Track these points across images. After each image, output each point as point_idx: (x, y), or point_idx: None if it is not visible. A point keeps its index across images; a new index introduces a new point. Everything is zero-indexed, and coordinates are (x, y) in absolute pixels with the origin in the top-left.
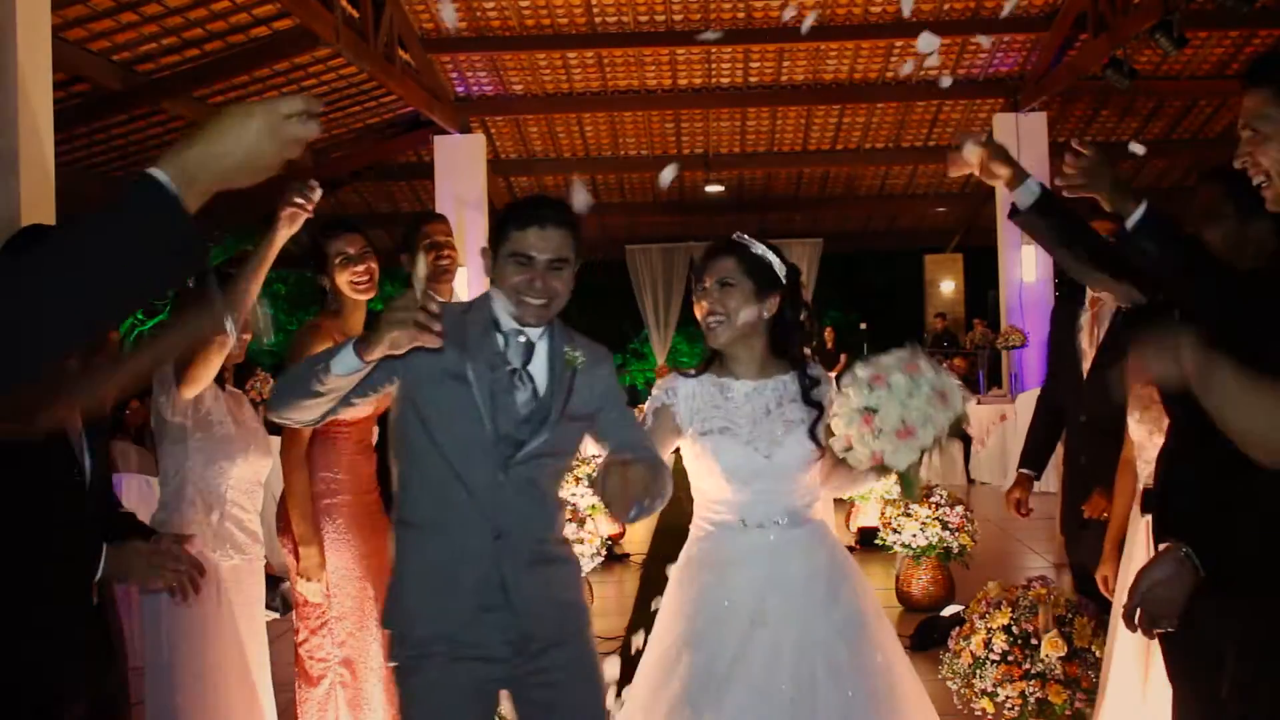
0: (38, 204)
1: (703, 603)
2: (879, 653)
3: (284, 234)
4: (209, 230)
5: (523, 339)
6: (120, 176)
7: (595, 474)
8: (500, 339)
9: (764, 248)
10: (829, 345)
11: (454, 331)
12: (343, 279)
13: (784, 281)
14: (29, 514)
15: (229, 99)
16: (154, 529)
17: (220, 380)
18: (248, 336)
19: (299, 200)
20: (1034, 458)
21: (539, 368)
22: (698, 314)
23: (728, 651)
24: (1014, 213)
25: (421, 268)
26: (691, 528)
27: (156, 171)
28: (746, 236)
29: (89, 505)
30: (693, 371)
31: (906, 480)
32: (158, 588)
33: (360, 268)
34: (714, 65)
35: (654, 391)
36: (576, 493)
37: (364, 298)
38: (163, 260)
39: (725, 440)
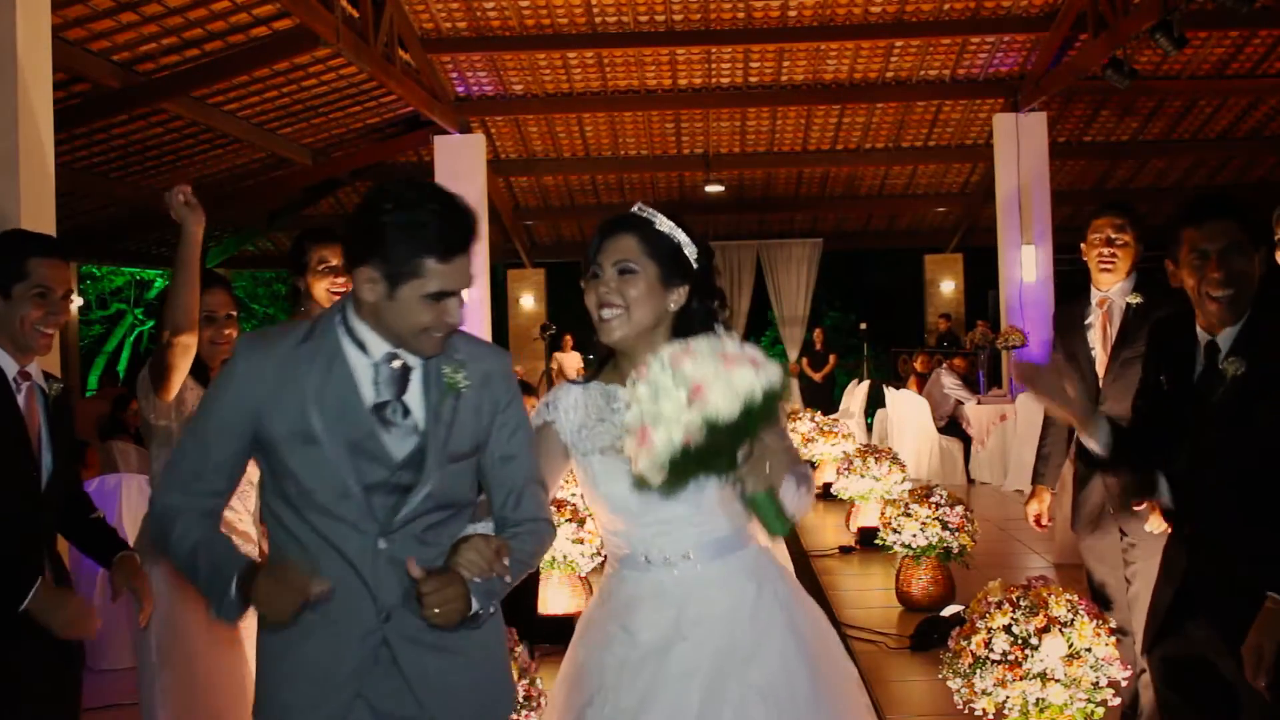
0: (38, 204)
1: (606, 655)
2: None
3: (191, 229)
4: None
5: (397, 364)
6: (120, 176)
7: (452, 548)
8: (364, 367)
9: (672, 224)
10: (818, 346)
11: (290, 376)
12: (320, 286)
13: (695, 266)
14: None
15: (229, 99)
16: (124, 542)
17: (205, 379)
18: (181, 339)
19: (173, 197)
20: (1051, 475)
21: (414, 396)
22: (588, 302)
23: (631, 701)
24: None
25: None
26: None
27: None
28: (650, 209)
29: (43, 507)
30: (580, 380)
31: (757, 506)
32: (72, 637)
33: (341, 279)
34: (714, 65)
35: (538, 407)
36: (576, 493)
37: None
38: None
39: (609, 463)
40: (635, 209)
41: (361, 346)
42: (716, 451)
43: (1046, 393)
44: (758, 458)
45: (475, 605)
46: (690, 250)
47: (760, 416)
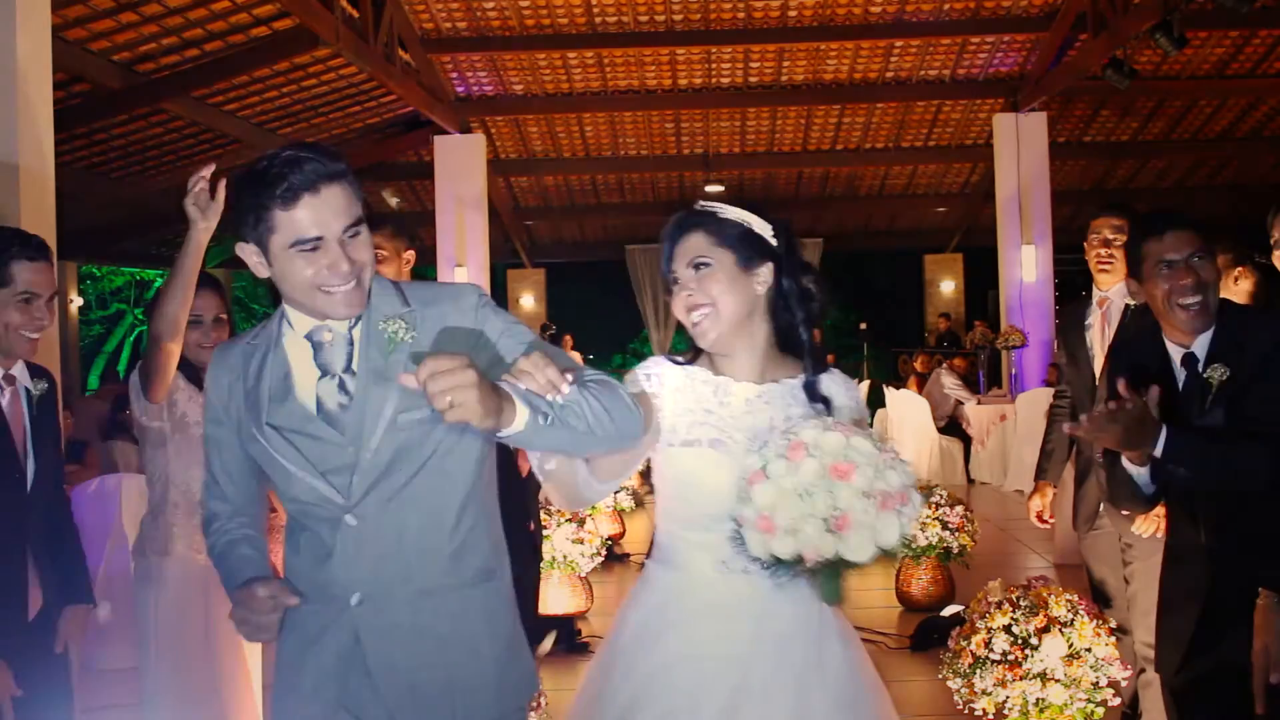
0: (37, 204)
1: (664, 677)
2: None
3: (197, 232)
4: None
5: (328, 335)
6: (120, 177)
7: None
8: (300, 349)
9: (737, 210)
10: (817, 344)
11: (236, 376)
12: None
13: (774, 244)
14: None
15: (229, 99)
16: (86, 588)
17: (198, 380)
18: (165, 345)
19: (193, 190)
20: (1054, 471)
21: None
22: (677, 312)
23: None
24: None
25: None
26: (647, 564)
27: None
28: (711, 202)
29: (28, 509)
30: (681, 359)
31: (826, 578)
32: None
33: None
34: (714, 65)
35: (632, 375)
36: None
37: None
38: None
39: (718, 457)
40: (697, 205)
41: (292, 327)
42: (827, 572)
43: (1119, 443)
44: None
45: (519, 410)
46: (763, 228)
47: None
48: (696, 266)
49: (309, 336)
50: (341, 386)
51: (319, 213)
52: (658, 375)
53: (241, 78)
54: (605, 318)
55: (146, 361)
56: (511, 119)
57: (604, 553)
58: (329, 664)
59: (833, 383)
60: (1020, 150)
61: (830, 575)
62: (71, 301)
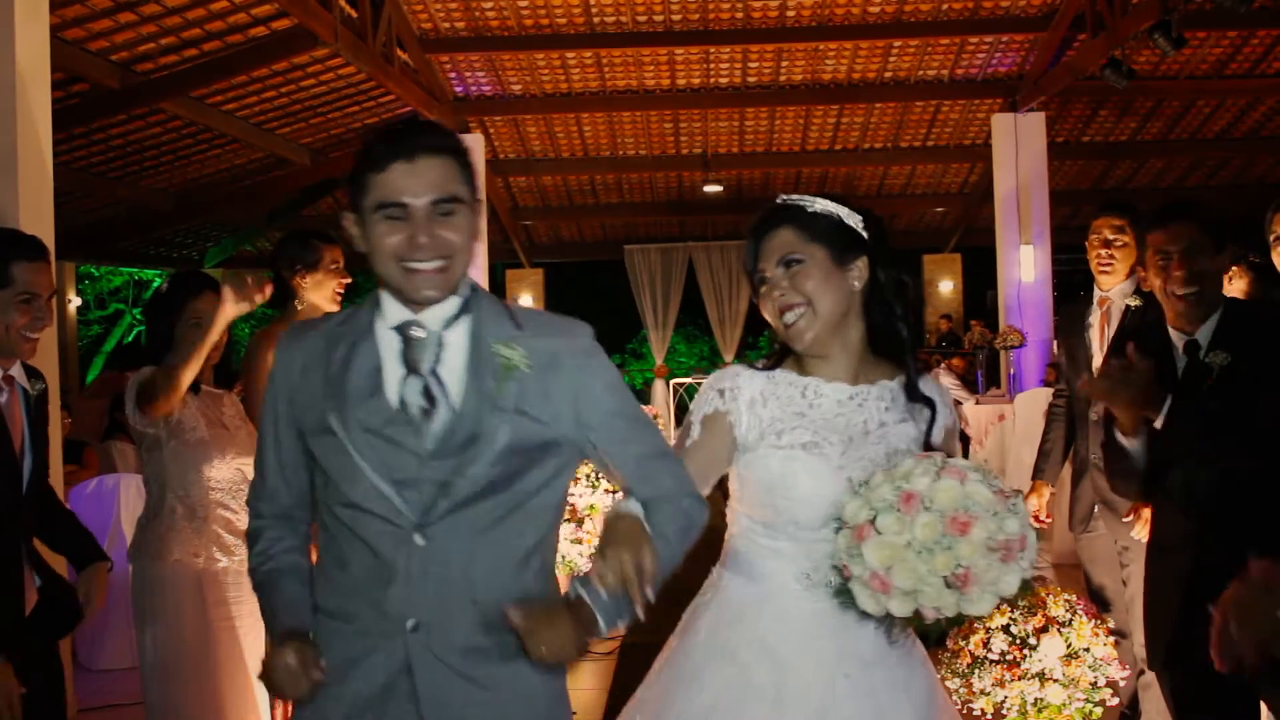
0: (36, 203)
1: (739, 693)
2: None
3: (228, 308)
4: (206, 229)
5: (420, 333)
6: (118, 176)
7: (595, 548)
8: (389, 341)
9: (825, 201)
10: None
11: (315, 362)
12: (329, 286)
13: (865, 235)
14: None
15: (228, 99)
16: (96, 547)
17: (195, 385)
18: (163, 409)
19: (251, 294)
20: (1051, 472)
21: (453, 370)
22: (767, 313)
23: None
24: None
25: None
26: (715, 572)
27: None
28: (797, 195)
29: (23, 508)
30: (760, 364)
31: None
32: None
33: (346, 280)
34: (712, 65)
35: (704, 391)
36: (575, 492)
37: (335, 309)
38: None
39: (811, 461)
40: (780, 200)
41: (382, 317)
42: (942, 627)
43: (1129, 403)
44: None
45: (600, 625)
46: (854, 219)
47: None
48: (788, 264)
49: (399, 329)
50: (425, 390)
51: (408, 180)
52: (732, 388)
53: (240, 77)
54: (603, 318)
55: (148, 390)
56: (510, 119)
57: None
58: (370, 691)
59: (932, 388)
60: (1019, 150)
61: (939, 626)
62: (70, 301)
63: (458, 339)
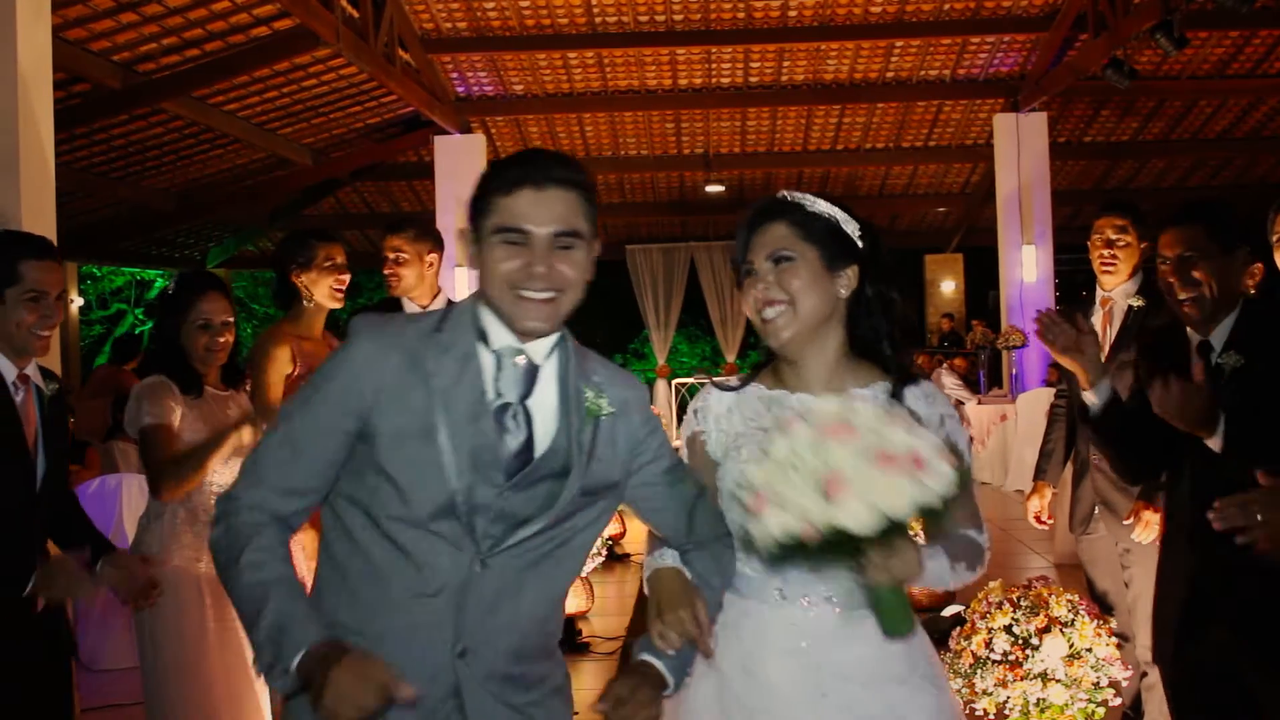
0: (38, 203)
1: (723, 699)
2: None
3: (245, 440)
4: (208, 229)
5: (521, 360)
6: (120, 176)
7: (650, 579)
8: (489, 363)
9: (826, 203)
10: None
11: (418, 367)
12: (325, 283)
13: (860, 246)
14: None
15: (229, 99)
16: (108, 542)
17: (198, 387)
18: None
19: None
20: (1053, 472)
21: (544, 406)
22: (748, 307)
23: None
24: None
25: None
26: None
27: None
28: (798, 193)
29: (38, 506)
30: (735, 381)
31: (877, 599)
32: (85, 601)
33: (344, 276)
34: (714, 65)
35: (688, 416)
36: None
37: (337, 306)
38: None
39: None
40: (781, 194)
41: (484, 337)
42: (835, 555)
43: (1062, 346)
44: (890, 555)
45: (669, 682)
46: (851, 227)
47: (902, 531)
48: (777, 260)
49: (498, 352)
50: (515, 421)
51: (534, 208)
52: (703, 409)
53: (242, 78)
54: (605, 318)
55: (157, 482)
56: (512, 119)
57: (605, 553)
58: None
59: (920, 397)
60: (1020, 150)
61: (883, 599)
62: (72, 301)
63: (549, 375)
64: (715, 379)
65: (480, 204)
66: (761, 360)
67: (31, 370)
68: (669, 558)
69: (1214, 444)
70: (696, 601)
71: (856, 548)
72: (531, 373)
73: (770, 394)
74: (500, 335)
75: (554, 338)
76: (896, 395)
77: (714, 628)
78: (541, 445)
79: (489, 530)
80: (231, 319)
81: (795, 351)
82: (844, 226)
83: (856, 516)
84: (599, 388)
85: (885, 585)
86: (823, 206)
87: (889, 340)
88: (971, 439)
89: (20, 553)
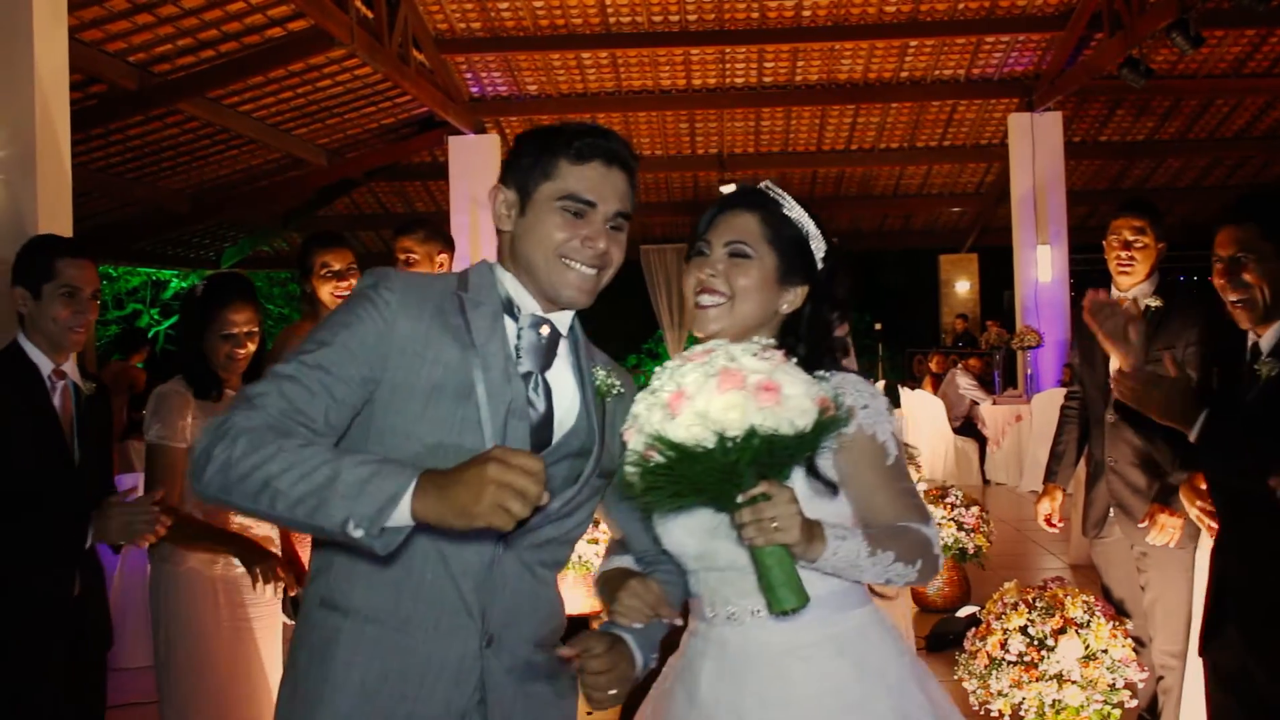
0: (55, 203)
1: (666, 715)
2: None
3: (256, 568)
4: (223, 230)
5: (545, 330)
6: (136, 177)
7: (598, 582)
8: (511, 332)
9: (803, 211)
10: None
11: (449, 319)
12: (325, 290)
13: (819, 267)
14: (17, 492)
15: (244, 100)
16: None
17: (218, 391)
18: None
19: (264, 580)
20: (1064, 474)
21: (562, 381)
22: (687, 285)
23: None
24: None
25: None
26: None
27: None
28: (779, 189)
29: (80, 486)
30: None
31: (757, 564)
32: (137, 543)
33: (344, 283)
34: (728, 65)
35: None
36: None
37: None
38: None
39: None
40: (764, 185)
41: (509, 307)
42: (676, 480)
43: (1109, 331)
44: (760, 506)
45: (637, 659)
46: (819, 245)
47: (745, 459)
48: (734, 252)
49: (528, 324)
50: (536, 389)
51: (603, 183)
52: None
53: (256, 78)
54: (620, 317)
55: (151, 463)
56: (525, 119)
57: None
58: (435, 713)
59: (845, 390)
60: (1035, 150)
61: (766, 568)
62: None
63: (565, 351)
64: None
65: (540, 166)
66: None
67: (69, 368)
68: (626, 560)
69: (1192, 435)
70: (651, 583)
71: (716, 482)
72: (554, 343)
73: None
74: (527, 302)
75: (572, 314)
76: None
77: (674, 610)
78: (562, 420)
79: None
80: (256, 328)
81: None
82: (811, 242)
83: (689, 430)
84: (606, 369)
85: (764, 548)
86: (798, 214)
87: (816, 349)
88: (986, 440)
89: (61, 544)
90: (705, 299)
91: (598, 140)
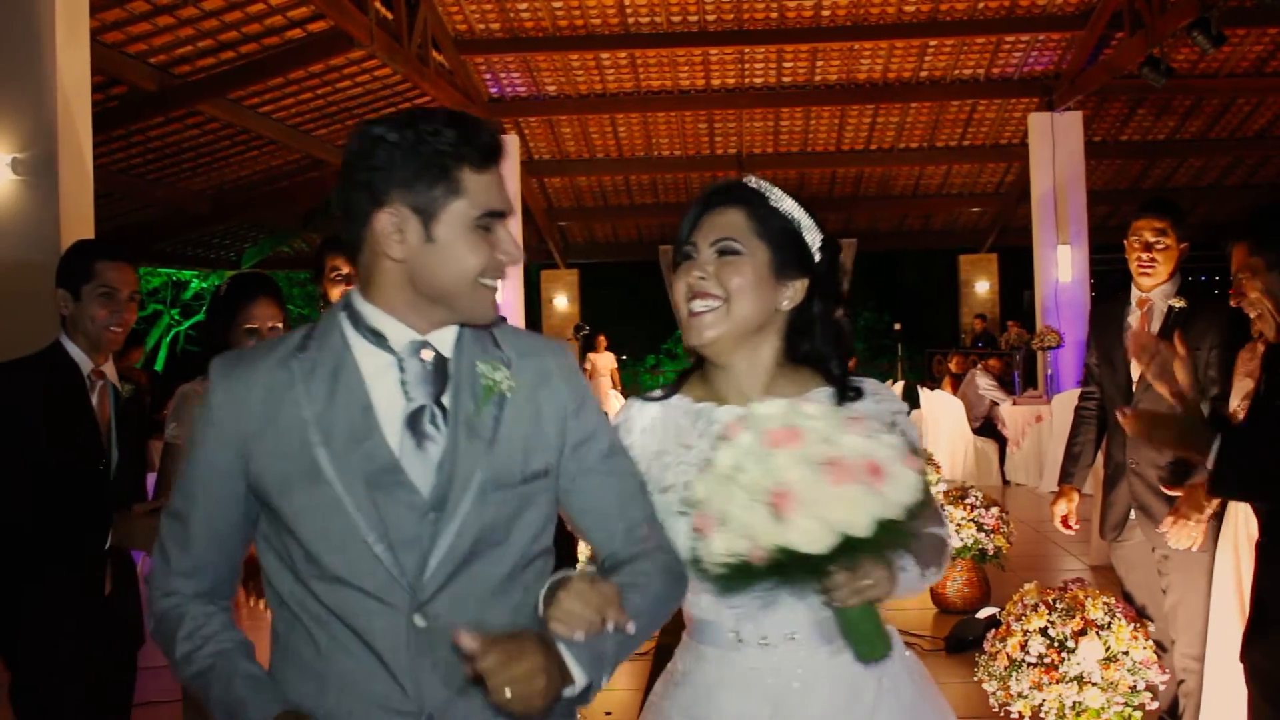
0: (76, 205)
1: None
2: None
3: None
4: (243, 230)
5: (427, 355)
6: (156, 178)
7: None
8: (382, 368)
9: (792, 202)
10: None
11: (282, 399)
12: (335, 293)
13: (816, 260)
14: (54, 489)
15: (264, 101)
16: None
17: None
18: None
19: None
20: (1080, 475)
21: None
22: (676, 293)
23: None
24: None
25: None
26: (684, 637)
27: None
28: (765, 183)
29: (110, 492)
30: (659, 393)
31: (847, 622)
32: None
33: (352, 286)
34: (747, 65)
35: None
36: None
37: None
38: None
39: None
40: (746, 179)
41: (378, 339)
42: (788, 577)
43: (1156, 372)
44: (855, 573)
45: (577, 677)
46: (813, 236)
47: (862, 549)
48: (722, 250)
49: (399, 353)
50: (432, 423)
51: (502, 185)
52: (626, 422)
53: (276, 80)
54: (639, 318)
55: (165, 464)
56: (545, 120)
57: None
58: None
59: (867, 394)
60: (1055, 149)
61: (852, 620)
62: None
63: (453, 362)
64: (641, 395)
65: (441, 181)
66: (689, 367)
67: (108, 369)
68: (575, 571)
69: (1209, 463)
70: (602, 585)
71: (815, 569)
72: (441, 366)
73: (696, 407)
74: (402, 334)
75: (456, 328)
76: (838, 389)
77: (631, 625)
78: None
79: (417, 568)
80: (280, 324)
81: (720, 355)
82: (804, 234)
83: (808, 535)
84: (499, 361)
85: (851, 606)
86: (788, 205)
87: (835, 360)
88: (1006, 440)
89: (94, 539)
90: (698, 304)
91: (491, 137)
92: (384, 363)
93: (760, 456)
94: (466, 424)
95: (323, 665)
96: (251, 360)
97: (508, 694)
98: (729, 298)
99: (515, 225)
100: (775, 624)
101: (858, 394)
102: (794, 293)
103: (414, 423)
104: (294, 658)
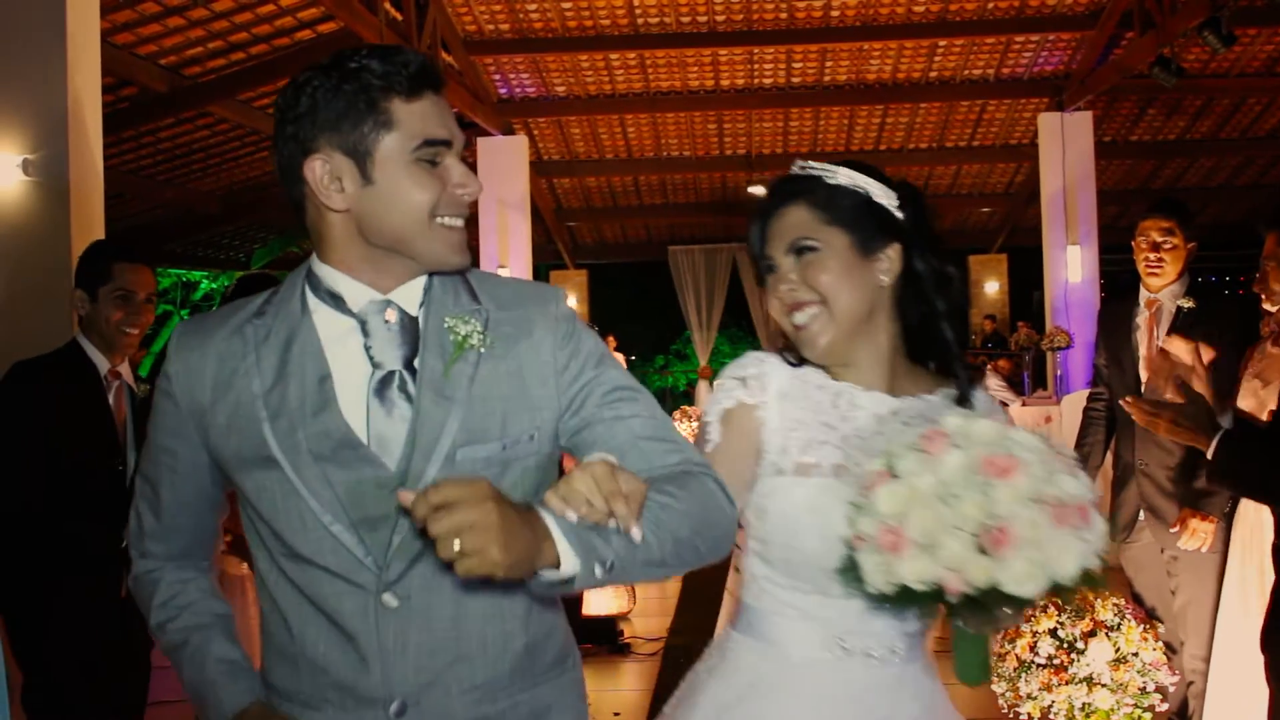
0: (87, 206)
1: None
2: None
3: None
4: (254, 231)
5: (390, 316)
6: (166, 179)
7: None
8: (343, 333)
9: (850, 172)
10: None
11: (234, 369)
12: None
13: (899, 216)
14: (70, 489)
15: (274, 101)
16: None
17: None
18: None
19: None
20: (1089, 475)
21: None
22: (773, 311)
23: None
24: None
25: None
26: (723, 632)
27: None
28: (815, 163)
29: (126, 492)
30: (793, 357)
31: (967, 645)
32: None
33: None
34: (756, 66)
35: (722, 381)
36: None
37: None
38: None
39: (842, 489)
40: (795, 168)
41: (336, 301)
42: (968, 610)
43: (1165, 429)
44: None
45: (564, 558)
46: (886, 196)
47: (1058, 592)
48: (799, 251)
49: (360, 315)
50: (403, 391)
51: (444, 112)
52: (759, 378)
53: (286, 81)
54: (648, 318)
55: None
56: (554, 120)
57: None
58: None
59: (982, 402)
60: (1065, 150)
61: (971, 640)
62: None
63: (423, 321)
64: (775, 350)
65: (368, 116)
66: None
67: (124, 369)
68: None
69: (1210, 451)
70: (622, 472)
71: (999, 605)
72: (410, 327)
73: (836, 385)
74: (357, 292)
75: (422, 282)
76: (966, 397)
77: (637, 530)
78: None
79: (386, 547)
80: None
81: (840, 357)
82: (876, 199)
83: (1022, 577)
84: (471, 314)
85: (980, 632)
86: (847, 176)
87: (950, 323)
88: None
89: (110, 540)
90: (799, 317)
91: (419, 64)
92: (345, 327)
93: (978, 485)
94: (433, 385)
95: (295, 648)
96: (209, 327)
97: (455, 546)
98: (825, 298)
99: (524, 226)
100: (881, 637)
101: (977, 395)
102: (890, 262)
103: (382, 390)
104: (270, 638)
